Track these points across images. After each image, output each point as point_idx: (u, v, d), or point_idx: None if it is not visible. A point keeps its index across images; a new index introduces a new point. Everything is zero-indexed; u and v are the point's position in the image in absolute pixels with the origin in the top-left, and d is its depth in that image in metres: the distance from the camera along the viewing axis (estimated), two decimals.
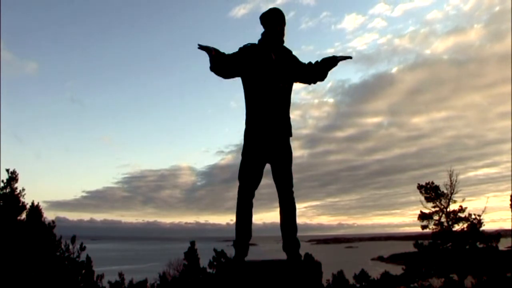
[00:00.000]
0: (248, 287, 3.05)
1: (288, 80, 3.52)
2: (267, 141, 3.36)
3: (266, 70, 3.41)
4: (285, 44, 3.62)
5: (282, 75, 3.45)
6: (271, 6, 3.69)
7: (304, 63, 3.65)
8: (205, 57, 3.39)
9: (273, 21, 3.52)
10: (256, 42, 3.58)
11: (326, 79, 3.73)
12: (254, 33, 3.76)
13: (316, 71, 3.66)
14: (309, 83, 3.73)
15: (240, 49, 3.52)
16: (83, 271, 13.69)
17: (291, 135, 3.50)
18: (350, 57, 3.70)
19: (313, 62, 3.68)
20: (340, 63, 3.70)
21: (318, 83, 3.74)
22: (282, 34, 3.57)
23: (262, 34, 3.57)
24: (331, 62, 3.65)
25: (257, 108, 3.40)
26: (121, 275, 16.08)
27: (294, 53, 3.66)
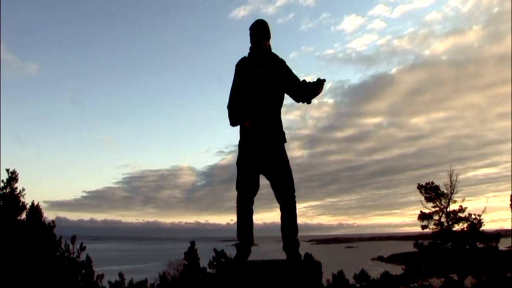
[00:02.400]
0: (248, 287, 3.06)
1: (279, 92, 3.56)
2: (261, 152, 3.41)
3: (256, 86, 3.47)
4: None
5: (272, 88, 3.50)
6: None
7: (298, 78, 3.64)
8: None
9: (256, 35, 3.57)
10: (248, 53, 3.65)
11: (325, 81, 3.64)
12: None
13: (305, 92, 3.62)
14: (297, 101, 3.70)
15: (236, 67, 3.60)
16: (83, 271, 13.66)
17: (285, 141, 3.54)
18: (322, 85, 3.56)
19: (306, 81, 3.63)
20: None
21: (305, 104, 3.67)
22: (263, 47, 3.58)
23: (250, 48, 3.63)
24: (315, 86, 3.55)
25: (250, 120, 3.44)
26: (121, 275, 16.08)
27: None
